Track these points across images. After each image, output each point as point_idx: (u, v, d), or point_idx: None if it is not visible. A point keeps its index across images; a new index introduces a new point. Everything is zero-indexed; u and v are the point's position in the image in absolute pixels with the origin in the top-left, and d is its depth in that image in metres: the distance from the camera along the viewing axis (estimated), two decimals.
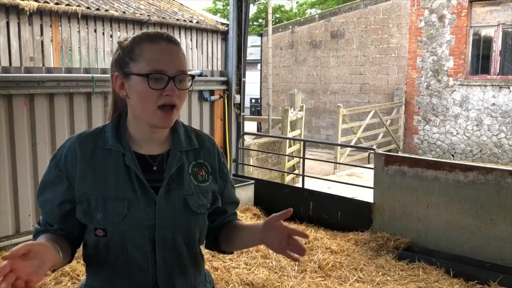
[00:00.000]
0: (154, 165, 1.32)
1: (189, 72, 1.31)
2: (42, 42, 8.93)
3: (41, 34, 8.91)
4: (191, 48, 11.76)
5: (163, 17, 11.04)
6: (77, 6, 9.24)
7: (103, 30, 9.98)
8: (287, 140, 8.48)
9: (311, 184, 6.07)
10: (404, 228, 4.34)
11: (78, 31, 9.49)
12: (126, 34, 10.31)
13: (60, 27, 9.16)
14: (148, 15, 10.70)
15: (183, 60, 1.29)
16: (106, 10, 9.80)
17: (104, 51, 10.04)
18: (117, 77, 1.30)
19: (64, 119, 4.36)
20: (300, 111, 9.51)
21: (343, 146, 10.51)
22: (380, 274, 3.81)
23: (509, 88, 10.80)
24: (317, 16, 14.37)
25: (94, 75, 4.49)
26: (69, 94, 4.39)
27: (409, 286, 3.62)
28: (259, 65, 16.46)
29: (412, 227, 4.29)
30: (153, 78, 1.23)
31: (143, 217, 1.26)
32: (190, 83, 1.31)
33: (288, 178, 8.56)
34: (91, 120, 4.55)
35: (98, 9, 9.64)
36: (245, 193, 5.39)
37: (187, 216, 1.31)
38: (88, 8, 9.46)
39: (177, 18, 11.42)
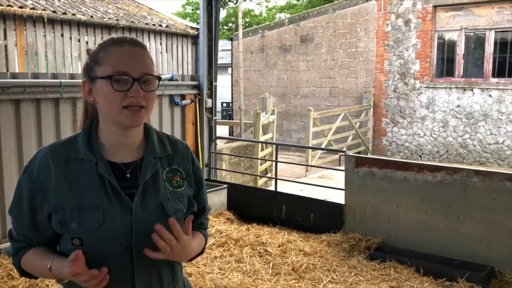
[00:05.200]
0: (127, 173, 1.31)
1: (160, 76, 1.30)
2: (5, 46, 8.68)
3: (5, 38, 8.66)
4: (161, 52, 11.67)
5: (132, 21, 10.92)
6: (43, 10, 9.03)
7: (71, 35, 9.78)
8: (259, 144, 8.50)
9: (283, 187, 6.10)
10: (375, 229, 4.42)
11: (44, 36, 9.27)
12: (94, 39, 10.14)
13: (25, 31, 8.93)
14: (117, 19, 10.56)
15: (149, 62, 1.29)
16: (73, 14, 9.62)
17: (71, 56, 9.84)
18: (85, 83, 1.31)
19: (31, 126, 4.25)
20: (271, 114, 9.56)
21: (314, 149, 10.61)
22: (352, 274, 3.87)
23: (472, 90, 11.15)
24: (286, 20, 14.50)
25: (62, 80, 4.40)
26: (36, 100, 4.28)
27: (381, 285, 3.68)
28: (229, 69, 16.45)
29: (383, 227, 4.37)
30: (117, 80, 1.23)
31: (119, 224, 1.25)
32: (157, 85, 1.31)
33: (261, 182, 8.58)
34: (59, 126, 4.45)
35: (65, 13, 9.45)
36: (218, 198, 5.37)
37: (164, 221, 1.30)
38: (54, 12, 9.25)
39: (146, 22, 11.31)
